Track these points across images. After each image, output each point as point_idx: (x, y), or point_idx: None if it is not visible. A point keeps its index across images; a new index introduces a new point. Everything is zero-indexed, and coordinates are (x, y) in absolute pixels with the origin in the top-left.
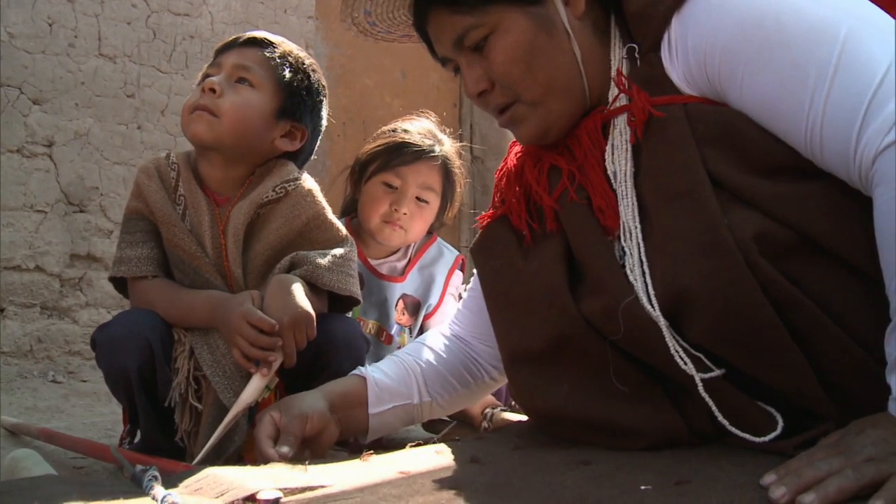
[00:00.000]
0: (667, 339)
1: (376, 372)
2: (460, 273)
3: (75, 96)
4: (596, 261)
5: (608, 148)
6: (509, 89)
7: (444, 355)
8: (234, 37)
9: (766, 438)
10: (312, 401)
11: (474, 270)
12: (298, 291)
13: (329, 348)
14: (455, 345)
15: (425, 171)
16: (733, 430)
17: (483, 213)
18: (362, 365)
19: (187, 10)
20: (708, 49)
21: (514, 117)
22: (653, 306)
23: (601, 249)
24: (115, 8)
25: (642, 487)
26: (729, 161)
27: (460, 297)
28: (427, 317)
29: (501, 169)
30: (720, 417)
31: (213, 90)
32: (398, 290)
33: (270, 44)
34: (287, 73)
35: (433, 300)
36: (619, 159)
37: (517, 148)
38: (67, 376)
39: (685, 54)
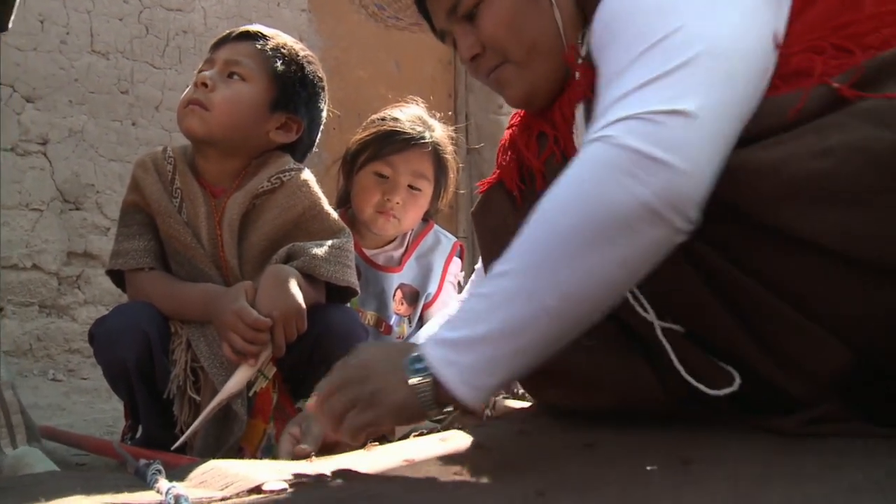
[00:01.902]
0: None
1: None
2: (458, 260)
3: (69, 93)
4: None
5: (574, 120)
6: (498, 52)
7: None
8: (228, 31)
9: (722, 392)
10: None
11: (476, 265)
12: (291, 284)
13: (327, 338)
14: None
15: (416, 158)
16: (689, 379)
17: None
18: None
19: (180, 6)
20: (595, 31)
21: (501, 79)
22: None
23: None
24: (106, 4)
25: (648, 468)
26: None
27: (460, 286)
28: (426, 306)
29: (503, 139)
30: (676, 363)
31: (204, 85)
32: (396, 280)
33: (263, 37)
34: (280, 66)
35: (432, 289)
36: (579, 132)
37: (514, 119)
38: (67, 374)
39: (593, 35)
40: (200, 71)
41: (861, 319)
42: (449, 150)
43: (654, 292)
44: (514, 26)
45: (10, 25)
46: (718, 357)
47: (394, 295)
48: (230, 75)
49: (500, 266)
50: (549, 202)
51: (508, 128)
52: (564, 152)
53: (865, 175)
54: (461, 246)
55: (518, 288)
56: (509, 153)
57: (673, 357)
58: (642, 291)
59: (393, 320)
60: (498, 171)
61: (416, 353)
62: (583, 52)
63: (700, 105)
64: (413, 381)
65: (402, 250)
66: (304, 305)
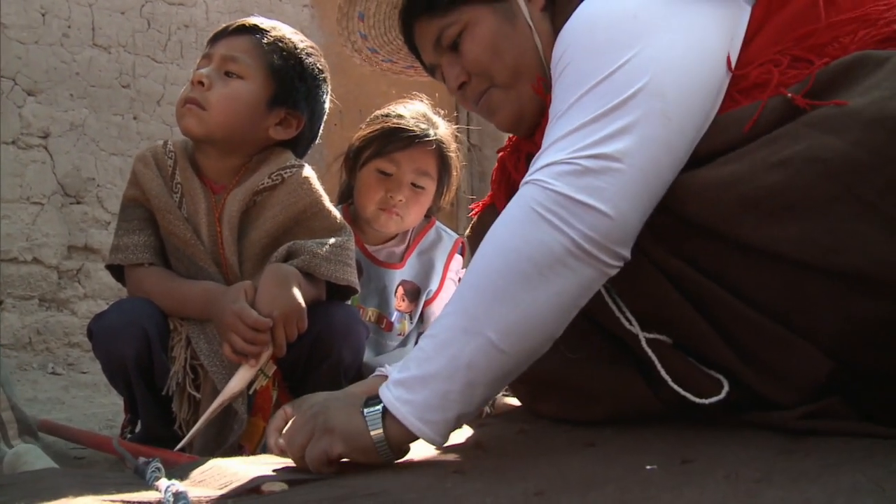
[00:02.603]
0: (608, 303)
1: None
2: (460, 257)
3: (70, 87)
4: None
5: None
6: (483, 77)
7: None
8: (225, 25)
9: (708, 400)
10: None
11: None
12: (291, 283)
13: (328, 336)
14: None
15: (420, 156)
16: (675, 386)
17: (479, 200)
18: (362, 352)
19: (182, 0)
20: (553, 57)
21: (490, 104)
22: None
23: None
24: None
25: (648, 467)
26: None
27: (460, 281)
28: (428, 303)
29: (495, 168)
30: (663, 373)
31: (201, 83)
32: (397, 276)
33: (261, 30)
34: (277, 60)
35: (433, 286)
36: None
37: (506, 143)
38: (67, 368)
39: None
40: (198, 67)
41: (838, 328)
42: (453, 147)
43: (638, 310)
44: (495, 50)
45: None
46: (708, 365)
47: (395, 291)
48: (227, 73)
49: (447, 307)
50: (487, 242)
51: (500, 150)
52: None
53: (819, 185)
54: (463, 242)
55: (462, 325)
56: (501, 177)
57: (659, 367)
58: (628, 308)
59: (394, 317)
60: (491, 194)
61: (371, 396)
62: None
63: (627, 147)
64: (366, 410)
65: (403, 247)
66: (304, 305)
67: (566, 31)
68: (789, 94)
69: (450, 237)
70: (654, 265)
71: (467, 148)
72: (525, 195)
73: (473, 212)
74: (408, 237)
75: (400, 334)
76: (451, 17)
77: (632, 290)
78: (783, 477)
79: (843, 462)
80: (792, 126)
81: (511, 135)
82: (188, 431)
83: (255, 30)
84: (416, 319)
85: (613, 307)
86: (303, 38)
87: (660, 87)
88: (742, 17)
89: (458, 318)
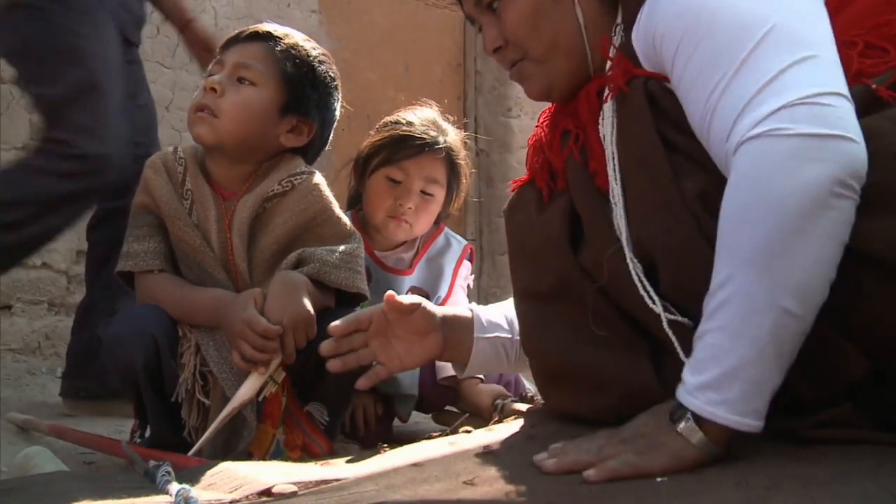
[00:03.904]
0: (635, 281)
1: (482, 308)
2: (468, 263)
3: None
4: (589, 214)
5: (602, 111)
6: (518, 46)
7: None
8: (238, 31)
9: None
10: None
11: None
12: (301, 291)
13: None
14: None
15: (429, 163)
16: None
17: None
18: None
19: (191, 6)
20: (656, 30)
21: (521, 72)
22: (631, 254)
23: (594, 205)
24: None
25: (658, 480)
26: (678, 128)
27: (469, 290)
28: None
29: (532, 137)
30: (681, 354)
31: (213, 90)
32: (406, 282)
33: (274, 38)
34: (290, 68)
35: (442, 292)
36: (606, 123)
37: (543, 116)
38: None
39: (644, 34)
40: (210, 74)
41: (887, 329)
42: (462, 154)
43: (674, 283)
44: (534, 24)
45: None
46: None
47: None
48: (240, 79)
49: (718, 293)
50: (741, 209)
51: (538, 125)
52: (584, 147)
53: None
54: (471, 249)
55: (751, 305)
56: (539, 154)
57: (678, 347)
58: (667, 284)
59: None
60: (529, 172)
61: (673, 409)
62: (616, 44)
63: (839, 84)
64: (680, 427)
65: (412, 252)
66: (313, 312)
67: None
68: (873, 85)
69: (458, 244)
70: (703, 236)
71: (475, 153)
72: (766, 149)
73: (512, 188)
74: (416, 244)
75: None
76: None
77: (676, 259)
78: (793, 483)
79: (853, 470)
80: (876, 119)
81: (548, 104)
82: (198, 438)
83: (269, 37)
84: None
85: (639, 284)
86: (315, 44)
87: (826, 42)
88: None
89: (743, 300)
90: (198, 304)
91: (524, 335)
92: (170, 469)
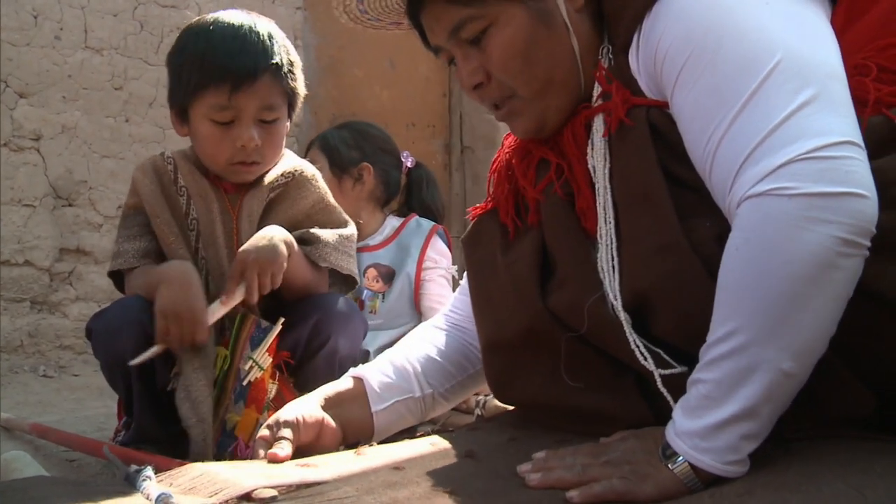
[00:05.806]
0: (627, 336)
1: (371, 372)
2: (441, 242)
3: (62, 89)
4: (567, 255)
5: (589, 144)
6: (506, 84)
7: (439, 346)
8: (227, 55)
9: None
10: (303, 404)
11: (462, 282)
12: (277, 239)
13: (326, 324)
14: (451, 334)
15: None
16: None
17: (475, 205)
18: (359, 344)
19: (174, 2)
20: (657, 55)
21: (511, 111)
22: (617, 303)
23: (575, 245)
24: (101, 0)
25: None
26: (686, 162)
27: (453, 279)
28: (416, 292)
29: (495, 161)
30: (672, 404)
31: (255, 145)
32: (366, 258)
33: (276, 66)
34: (291, 82)
35: (409, 268)
36: (597, 156)
37: (509, 140)
38: (59, 371)
39: (644, 57)
40: (216, 120)
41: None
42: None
43: (677, 316)
44: (527, 58)
45: None
46: None
47: (365, 273)
48: (262, 120)
49: (718, 346)
50: (746, 267)
51: (502, 148)
52: (569, 179)
53: None
54: (444, 229)
55: (749, 364)
56: (506, 184)
57: (672, 404)
58: (667, 328)
59: (364, 294)
60: (491, 199)
61: (664, 447)
62: (605, 67)
63: (847, 129)
64: (672, 466)
65: (380, 239)
66: (284, 261)
67: (682, 12)
68: (895, 118)
69: (427, 223)
70: (708, 271)
71: (460, 150)
72: (772, 209)
73: (471, 215)
74: (385, 231)
75: (371, 311)
76: (476, 8)
77: (680, 304)
78: (766, 490)
79: (825, 470)
80: (891, 160)
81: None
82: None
83: (265, 60)
84: (389, 299)
85: (630, 340)
86: (275, 26)
87: (834, 72)
88: (827, 14)
89: (743, 357)
90: (151, 284)
91: (497, 387)
92: (150, 474)
